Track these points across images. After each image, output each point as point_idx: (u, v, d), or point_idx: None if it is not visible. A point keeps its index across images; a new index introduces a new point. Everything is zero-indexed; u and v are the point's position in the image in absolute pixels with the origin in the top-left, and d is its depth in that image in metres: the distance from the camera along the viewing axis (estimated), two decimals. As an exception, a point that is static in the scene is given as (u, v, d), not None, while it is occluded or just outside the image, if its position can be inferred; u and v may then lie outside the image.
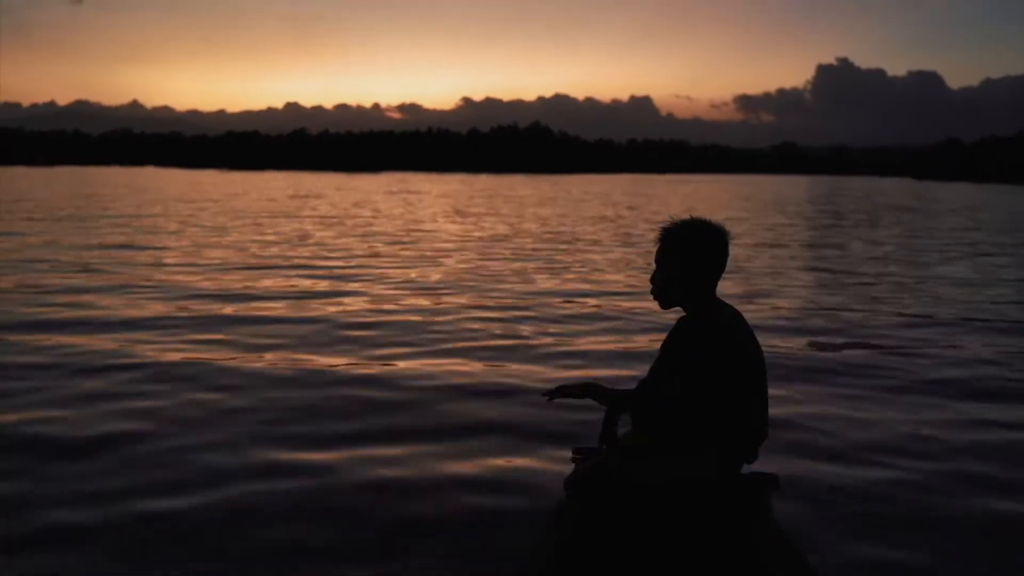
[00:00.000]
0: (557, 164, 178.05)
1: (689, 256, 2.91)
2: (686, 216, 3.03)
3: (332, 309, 10.08)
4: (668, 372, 2.98)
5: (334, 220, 26.14)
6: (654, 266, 3.04)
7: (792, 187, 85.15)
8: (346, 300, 10.82)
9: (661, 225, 3.02)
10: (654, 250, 3.03)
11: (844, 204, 45.74)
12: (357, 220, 26.38)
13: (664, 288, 2.97)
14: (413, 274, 13.55)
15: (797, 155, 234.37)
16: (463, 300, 10.92)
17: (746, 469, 2.95)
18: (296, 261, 15.03)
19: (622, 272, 14.29)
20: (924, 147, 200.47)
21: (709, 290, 2.94)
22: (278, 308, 10.06)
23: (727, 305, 2.96)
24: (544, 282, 12.83)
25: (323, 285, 12.11)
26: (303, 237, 19.84)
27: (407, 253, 16.76)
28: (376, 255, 16.28)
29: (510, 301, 10.91)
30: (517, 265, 14.95)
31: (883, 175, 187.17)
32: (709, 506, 2.82)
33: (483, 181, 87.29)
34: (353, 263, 14.88)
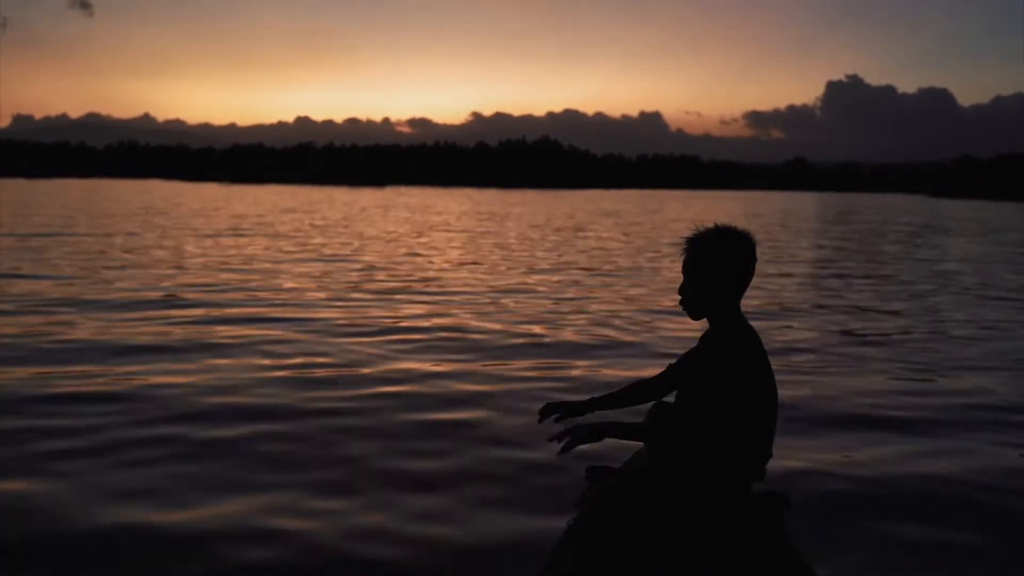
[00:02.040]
0: (567, 179, 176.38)
1: (720, 266, 2.85)
2: (711, 225, 2.94)
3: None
4: (685, 387, 2.99)
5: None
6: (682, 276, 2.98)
7: (833, 205, 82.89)
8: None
9: (687, 235, 2.95)
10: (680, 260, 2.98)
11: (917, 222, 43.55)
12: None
13: (695, 300, 2.92)
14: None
15: (808, 171, 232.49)
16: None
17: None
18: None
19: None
20: (936, 164, 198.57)
21: (735, 301, 2.89)
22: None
23: (748, 324, 2.90)
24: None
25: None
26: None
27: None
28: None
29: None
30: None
31: (895, 192, 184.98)
32: (722, 525, 2.79)
33: (483, 196, 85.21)
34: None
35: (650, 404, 3.14)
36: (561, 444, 2.82)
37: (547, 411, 3.12)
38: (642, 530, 2.79)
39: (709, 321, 2.96)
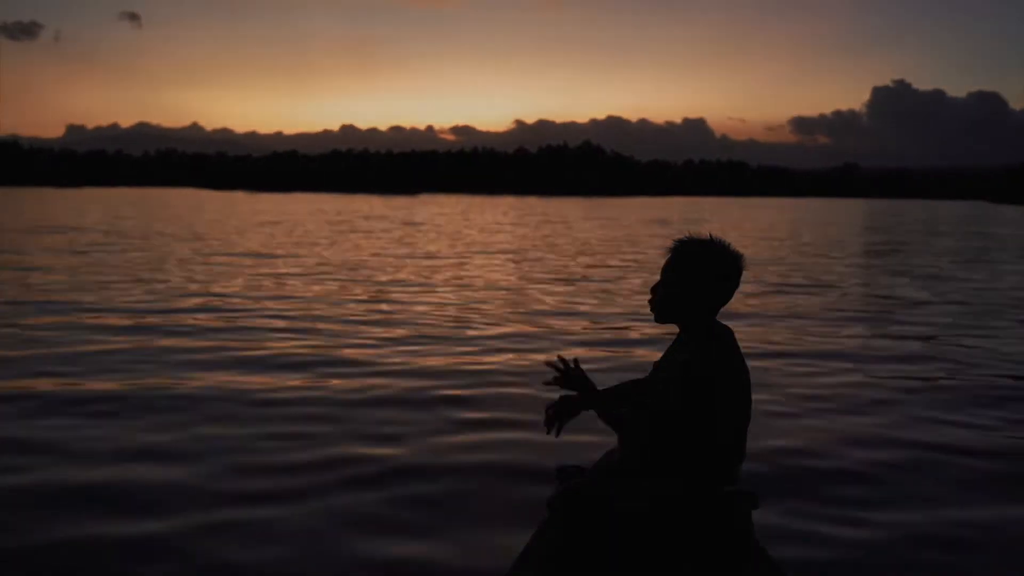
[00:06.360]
0: (610, 186, 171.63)
1: (695, 276, 2.79)
2: (704, 235, 2.90)
3: None
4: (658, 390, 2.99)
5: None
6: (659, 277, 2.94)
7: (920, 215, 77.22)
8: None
9: (676, 238, 2.91)
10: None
11: None
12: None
13: (662, 302, 2.87)
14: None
15: (859, 177, 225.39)
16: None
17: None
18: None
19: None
20: (989, 169, 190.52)
21: (710, 313, 2.84)
22: None
23: (723, 326, 2.88)
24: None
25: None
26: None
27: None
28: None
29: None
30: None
31: (950, 198, 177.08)
32: (689, 525, 2.81)
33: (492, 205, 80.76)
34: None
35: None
36: (553, 429, 2.95)
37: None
38: (613, 531, 2.78)
39: (680, 329, 2.91)
